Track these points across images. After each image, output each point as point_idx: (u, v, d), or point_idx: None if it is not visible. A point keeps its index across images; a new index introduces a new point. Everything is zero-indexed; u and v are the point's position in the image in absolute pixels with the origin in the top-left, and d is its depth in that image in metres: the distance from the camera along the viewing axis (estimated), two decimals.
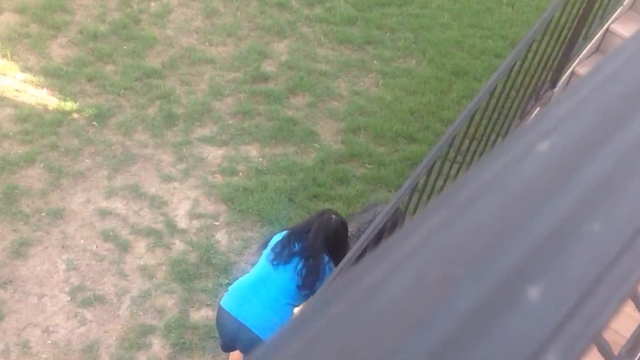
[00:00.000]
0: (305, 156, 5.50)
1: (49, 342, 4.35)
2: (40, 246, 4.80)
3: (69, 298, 4.56)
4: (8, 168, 5.20)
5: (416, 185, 3.55)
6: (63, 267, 4.71)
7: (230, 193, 5.19)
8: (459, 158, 4.04)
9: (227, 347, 3.85)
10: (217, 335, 4.43)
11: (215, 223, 5.05)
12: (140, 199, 5.14)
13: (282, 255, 3.70)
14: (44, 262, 4.72)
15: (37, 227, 4.89)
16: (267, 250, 3.78)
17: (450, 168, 4.09)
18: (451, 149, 3.83)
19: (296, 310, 3.75)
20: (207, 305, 4.60)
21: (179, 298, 4.61)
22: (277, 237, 3.83)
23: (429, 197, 3.91)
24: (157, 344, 4.40)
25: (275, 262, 3.69)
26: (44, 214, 4.97)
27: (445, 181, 4.06)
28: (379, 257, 0.34)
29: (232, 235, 4.95)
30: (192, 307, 4.58)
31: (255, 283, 3.68)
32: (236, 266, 4.77)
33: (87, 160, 5.35)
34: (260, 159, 5.47)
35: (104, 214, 5.02)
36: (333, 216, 3.80)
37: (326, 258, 3.72)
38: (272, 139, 5.60)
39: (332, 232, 3.74)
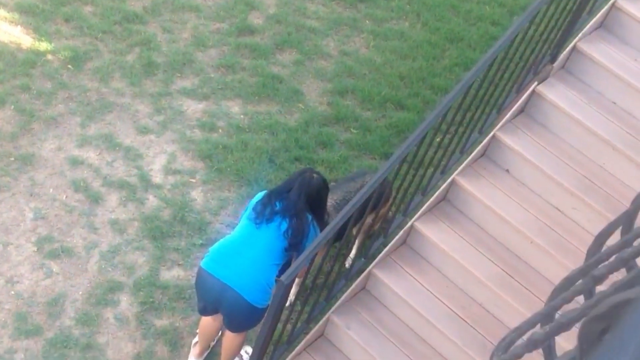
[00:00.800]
0: (288, 116, 5.38)
1: (12, 292, 4.26)
2: (8, 192, 4.67)
3: (35, 248, 4.46)
4: None
5: (406, 155, 3.51)
6: (30, 215, 4.59)
7: (209, 150, 5.07)
8: (451, 129, 3.97)
9: (208, 310, 3.80)
10: (187, 297, 4.39)
11: (191, 180, 4.94)
12: (114, 150, 5.00)
13: (263, 215, 3.66)
14: (10, 209, 4.60)
15: (4, 172, 4.75)
16: (248, 211, 3.72)
17: (442, 140, 4.03)
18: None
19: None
20: (179, 265, 4.53)
21: (150, 256, 4.53)
22: (257, 197, 3.76)
23: (417, 168, 3.86)
24: (125, 302, 4.33)
25: (257, 222, 3.64)
26: (12, 158, 4.82)
27: (435, 152, 4.00)
28: None
29: (209, 194, 4.86)
30: (164, 266, 4.51)
31: (239, 243, 3.64)
32: (211, 226, 4.68)
33: (60, 105, 5.18)
34: (241, 116, 5.33)
35: (75, 163, 4.88)
36: (314, 175, 3.76)
37: (309, 217, 3.69)
38: (255, 96, 5.46)
39: (314, 191, 3.71)
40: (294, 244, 3.62)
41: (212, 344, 4.21)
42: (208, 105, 5.37)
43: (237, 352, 3.98)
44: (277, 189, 3.78)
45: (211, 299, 3.69)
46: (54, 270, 4.39)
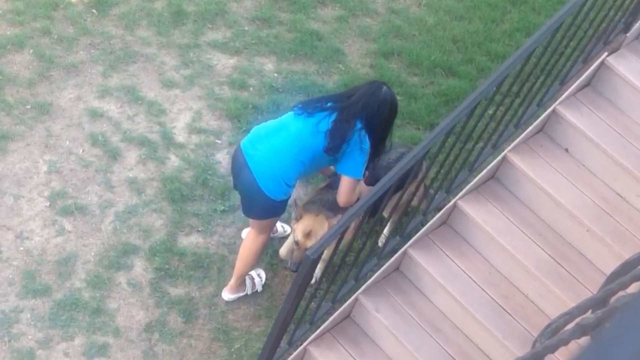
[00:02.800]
0: (326, 77, 5.34)
1: (22, 248, 4.35)
2: (22, 142, 4.74)
3: (47, 203, 4.53)
4: None
5: (453, 126, 3.46)
6: (44, 168, 4.66)
7: (238, 109, 5.07)
8: (506, 101, 3.89)
9: (235, 185, 4.08)
10: (205, 265, 4.44)
11: (217, 141, 4.96)
12: (136, 103, 5.03)
13: (307, 107, 3.84)
14: (23, 160, 4.67)
15: (20, 120, 4.81)
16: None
17: (495, 112, 3.96)
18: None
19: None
20: (198, 231, 4.56)
21: (168, 220, 4.57)
22: None
23: (465, 142, 3.80)
24: (139, 267, 4.39)
25: (298, 112, 3.83)
26: (29, 106, 4.89)
27: (486, 125, 3.93)
28: None
29: None
30: (182, 231, 4.55)
31: (273, 129, 3.85)
32: (235, 192, 4.64)
33: (81, 52, 5.22)
34: (275, 75, 5.31)
35: (94, 115, 4.92)
36: (384, 87, 3.83)
37: (359, 125, 3.75)
38: (291, 53, 5.42)
39: (376, 102, 3.78)
40: (332, 147, 3.72)
41: (248, 283, 4.29)
42: (240, 60, 5.35)
43: (250, 261, 4.09)
44: (338, 93, 3.92)
45: (233, 172, 3.96)
46: (66, 228, 4.46)
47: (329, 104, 3.81)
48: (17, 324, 4.08)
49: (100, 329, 4.13)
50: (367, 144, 3.82)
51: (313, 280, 4.02)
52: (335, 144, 3.72)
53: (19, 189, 4.55)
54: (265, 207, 3.87)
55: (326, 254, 4.01)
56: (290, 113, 3.88)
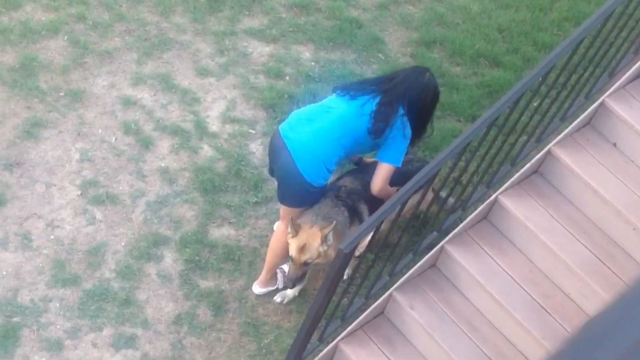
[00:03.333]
0: (365, 67, 5.33)
1: (52, 237, 4.45)
2: (55, 129, 4.84)
3: (79, 192, 4.62)
4: (29, 36, 5.20)
5: (496, 118, 3.44)
6: (76, 156, 4.76)
7: (273, 98, 5.10)
8: (551, 93, 3.85)
9: (271, 170, 4.14)
10: (236, 258, 4.49)
11: (251, 131, 4.99)
12: (170, 92, 5.10)
13: (350, 89, 3.88)
14: (56, 148, 4.77)
15: (53, 107, 4.92)
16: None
17: (540, 104, 3.92)
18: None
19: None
20: (230, 223, 4.60)
21: (200, 211, 4.62)
22: None
23: (508, 134, 3.77)
24: (169, 258, 4.45)
25: (340, 94, 3.87)
26: (62, 93, 4.99)
27: (530, 118, 3.89)
28: None
29: None
30: (213, 223, 4.60)
31: (314, 112, 3.90)
32: (269, 184, 4.73)
33: (116, 38, 5.31)
34: (312, 64, 5.33)
35: (128, 103, 5.00)
36: (428, 73, 3.89)
37: (401, 110, 3.80)
38: (329, 42, 5.43)
39: (419, 86, 3.83)
40: (376, 130, 3.77)
41: (280, 276, 4.33)
42: (276, 48, 5.38)
43: (282, 254, 4.10)
44: (379, 76, 3.98)
45: (271, 156, 4.00)
46: (97, 217, 4.54)
47: (371, 87, 3.84)
48: (45, 313, 4.17)
49: (128, 320, 4.20)
50: (409, 130, 3.87)
51: (345, 277, 4.04)
52: (379, 127, 3.78)
53: (50, 177, 4.65)
54: (302, 193, 3.89)
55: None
56: (332, 96, 3.92)
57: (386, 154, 3.88)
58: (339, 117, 3.82)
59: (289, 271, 3.96)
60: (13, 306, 4.16)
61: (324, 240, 3.80)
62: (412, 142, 4.02)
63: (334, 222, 3.79)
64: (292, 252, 3.84)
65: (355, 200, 3.96)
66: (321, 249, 3.81)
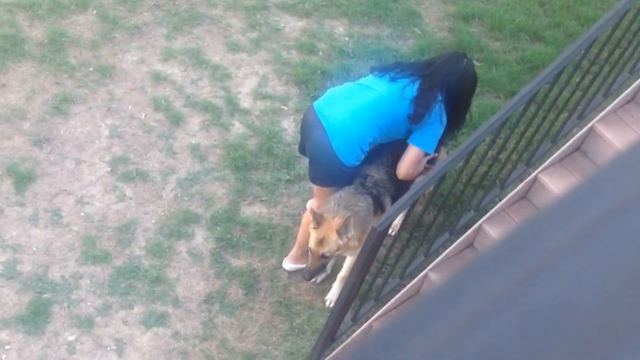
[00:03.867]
0: (401, 42, 5.33)
1: (82, 214, 4.54)
2: (84, 105, 4.92)
3: (109, 169, 4.71)
4: (57, 11, 5.28)
5: (536, 93, 3.43)
6: (106, 132, 4.84)
7: (306, 74, 5.13)
8: (594, 68, 3.82)
9: (302, 147, 4.19)
10: (268, 237, 4.54)
11: (283, 107, 5.03)
12: (200, 67, 5.15)
13: (388, 71, 3.91)
14: (86, 124, 4.86)
15: (82, 83, 5.00)
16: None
17: (582, 79, 3.89)
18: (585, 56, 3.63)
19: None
20: (262, 201, 4.66)
21: (231, 188, 4.68)
22: None
23: (548, 111, 3.75)
24: (200, 236, 4.52)
25: (379, 75, 3.90)
26: (91, 69, 5.07)
27: (572, 93, 3.87)
28: None
29: None
30: (245, 200, 4.65)
31: (352, 90, 3.93)
32: (301, 161, 4.76)
33: (145, 13, 5.36)
34: (346, 39, 5.34)
35: (158, 78, 5.07)
36: (466, 59, 3.93)
37: (440, 96, 3.83)
38: (364, 16, 5.44)
39: (458, 72, 3.86)
40: (416, 115, 3.79)
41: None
42: (309, 23, 5.39)
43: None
44: (416, 61, 4.01)
45: (303, 133, 4.04)
46: (127, 194, 4.63)
47: (410, 71, 3.86)
48: (76, 290, 4.27)
49: (159, 298, 4.29)
50: (445, 117, 3.87)
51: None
52: (420, 113, 3.80)
53: (80, 154, 4.74)
54: (334, 172, 3.92)
55: (343, 273, 4.14)
56: (370, 76, 3.94)
57: (420, 139, 3.90)
58: (378, 98, 3.85)
59: (307, 263, 3.95)
60: (44, 282, 4.27)
61: (342, 233, 3.78)
62: (451, 133, 4.05)
63: (348, 215, 3.77)
64: (311, 244, 3.85)
65: (381, 192, 3.97)
66: (340, 242, 3.81)
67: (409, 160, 3.91)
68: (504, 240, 0.70)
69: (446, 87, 3.83)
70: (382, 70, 3.95)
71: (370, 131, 3.86)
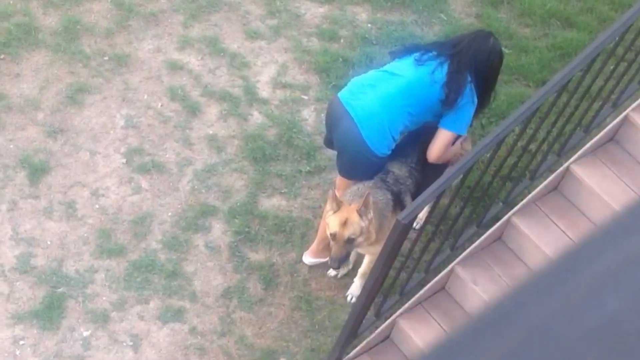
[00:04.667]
0: (426, 28, 5.32)
1: (97, 206, 4.59)
2: (99, 95, 4.96)
3: (124, 160, 4.75)
4: None
5: (568, 81, 3.42)
6: (121, 123, 4.88)
7: (327, 63, 5.13)
8: (629, 55, 3.80)
9: (328, 140, 4.19)
10: (287, 230, 4.55)
11: (303, 97, 5.05)
12: (218, 56, 5.17)
13: (411, 52, 3.92)
14: (100, 114, 4.90)
15: (97, 72, 5.04)
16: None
17: (616, 66, 3.87)
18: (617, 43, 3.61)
19: None
20: (281, 193, 4.68)
21: (249, 180, 4.71)
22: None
23: (580, 100, 3.74)
24: (218, 229, 4.55)
25: (402, 58, 3.92)
26: (106, 58, 5.11)
27: (606, 81, 3.85)
28: None
29: (322, 115, 4.85)
30: (263, 192, 4.68)
31: (378, 77, 3.94)
32: (322, 152, 4.78)
33: (162, 0, 5.39)
34: (369, 25, 5.34)
35: (174, 67, 5.10)
36: (492, 37, 3.95)
37: (469, 77, 3.85)
38: (387, 1, 5.43)
39: (486, 50, 3.88)
40: (449, 100, 3.79)
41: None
42: (330, 9, 5.40)
43: None
44: (440, 41, 4.00)
45: (329, 126, 4.05)
46: (143, 186, 4.67)
47: (436, 52, 3.87)
48: (91, 284, 4.32)
49: (176, 292, 4.33)
50: (476, 97, 3.90)
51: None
52: (452, 97, 3.81)
53: (95, 145, 4.78)
54: (364, 163, 3.92)
55: (364, 268, 4.13)
56: (395, 62, 3.95)
57: (452, 121, 3.90)
58: (406, 84, 3.85)
59: (332, 251, 3.92)
60: (58, 276, 4.32)
61: (362, 213, 3.78)
62: (476, 112, 4.04)
63: (367, 192, 3.77)
64: (335, 227, 3.81)
65: (402, 189, 3.97)
66: (362, 224, 3.80)
67: (441, 144, 3.92)
68: (559, 259, 0.76)
69: (475, 66, 3.85)
70: (404, 52, 3.96)
71: (401, 119, 3.87)
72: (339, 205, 3.80)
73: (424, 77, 3.85)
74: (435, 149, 3.94)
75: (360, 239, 3.85)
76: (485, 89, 3.96)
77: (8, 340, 4.12)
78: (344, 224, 3.78)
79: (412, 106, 3.86)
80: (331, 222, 3.82)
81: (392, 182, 3.95)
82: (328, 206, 3.91)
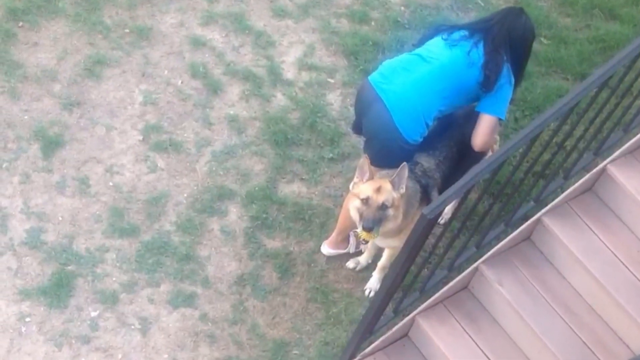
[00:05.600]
0: (462, 14, 5.27)
1: (111, 183, 4.58)
2: (118, 69, 4.95)
3: (141, 137, 4.73)
4: None
5: (610, 77, 3.38)
6: (140, 98, 4.86)
7: (356, 45, 5.09)
8: None
9: (357, 126, 4.13)
10: (306, 218, 4.53)
11: (329, 80, 5.00)
12: (243, 33, 5.14)
13: (441, 32, 3.90)
14: (119, 89, 4.88)
15: (117, 44, 5.02)
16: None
17: None
18: None
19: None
20: (302, 179, 4.65)
21: (269, 164, 4.68)
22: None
23: (622, 97, 3.68)
24: (234, 214, 4.53)
25: (435, 38, 3.90)
26: (127, 30, 5.09)
27: None
28: None
29: (348, 100, 4.90)
30: (284, 178, 4.65)
31: (411, 60, 3.90)
32: (346, 139, 4.75)
33: None
34: (402, 8, 5.29)
35: (197, 43, 5.07)
36: (524, 15, 3.92)
37: (504, 56, 3.83)
38: None
39: (519, 29, 3.86)
40: (489, 82, 3.77)
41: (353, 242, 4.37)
42: None
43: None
44: (471, 22, 3.98)
45: (360, 110, 4.00)
46: (159, 165, 4.65)
47: (467, 32, 3.84)
48: (101, 263, 4.32)
49: (188, 277, 4.31)
50: (512, 77, 3.87)
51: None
52: (493, 79, 3.78)
53: (111, 120, 4.77)
54: (394, 150, 3.88)
55: (384, 262, 4.12)
56: (432, 43, 3.90)
57: (491, 105, 3.87)
58: (441, 67, 3.82)
59: (365, 214, 3.73)
60: (68, 254, 4.31)
61: (395, 183, 3.71)
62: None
63: (403, 164, 3.71)
64: (368, 192, 3.71)
65: (430, 182, 3.94)
66: (394, 195, 3.74)
67: (485, 129, 3.87)
68: None
69: (510, 44, 3.82)
70: (434, 33, 3.92)
71: (436, 104, 3.84)
72: (372, 174, 3.75)
73: (460, 59, 3.81)
74: (480, 135, 3.89)
75: (391, 211, 3.77)
76: (519, 67, 3.93)
77: (14, 316, 4.12)
78: (378, 190, 3.72)
79: (448, 90, 3.82)
80: (364, 189, 3.74)
81: (420, 174, 3.91)
82: (357, 176, 3.81)
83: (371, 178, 3.75)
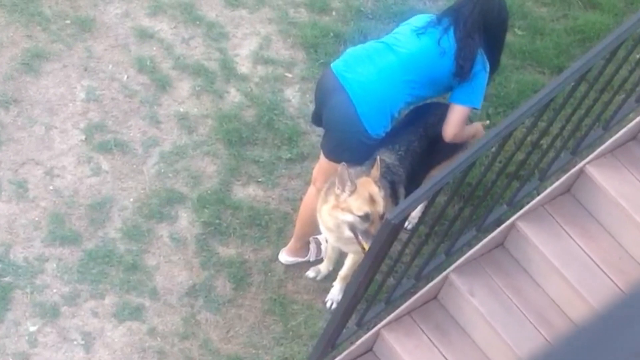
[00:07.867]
0: (430, 3, 5.26)
1: (51, 187, 4.50)
2: (58, 63, 4.87)
3: (83, 137, 4.66)
4: None
5: (588, 70, 3.37)
6: (82, 95, 4.78)
7: (315, 37, 5.07)
8: None
9: (317, 117, 4.08)
10: (263, 224, 4.47)
11: (287, 74, 4.97)
12: (193, 24, 5.09)
13: (412, 21, 3.87)
14: (59, 85, 4.81)
15: (57, 37, 4.94)
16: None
17: None
18: None
19: None
20: (258, 182, 4.61)
21: (223, 165, 4.64)
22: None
23: (601, 92, 3.69)
24: (185, 219, 4.48)
25: (404, 27, 3.86)
26: (68, 21, 5.01)
27: (630, 72, 3.80)
28: None
29: (308, 96, 4.86)
30: (238, 180, 4.61)
31: (377, 49, 3.85)
32: (305, 138, 4.71)
33: None
34: None
35: (143, 35, 5.01)
36: None
37: (478, 42, 3.79)
38: None
39: (495, 10, 3.81)
40: (464, 71, 3.73)
41: (312, 248, 4.34)
42: None
43: (313, 222, 4.00)
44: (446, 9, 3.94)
45: (320, 99, 3.95)
46: (103, 167, 4.60)
47: (436, 18, 3.80)
48: (41, 274, 4.26)
49: (135, 288, 4.27)
50: (487, 64, 3.85)
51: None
52: (467, 67, 3.74)
53: (51, 118, 4.70)
54: (355, 144, 3.82)
55: (346, 270, 4.11)
56: (399, 31, 3.88)
57: (465, 95, 3.83)
58: (409, 56, 3.77)
59: (370, 230, 3.63)
60: (4, 264, 4.26)
61: (380, 187, 3.65)
62: (488, 80, 3.99)
63: (381, 158, 3.68)
64: (365, 207, 3.61)
65: (395, 179, 3.89)
66: (383, 194, 3.69)
67: (456, 120, 3.83)
68: None
69: (485, 26, 3.78)
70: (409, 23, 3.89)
71: (403, 95, 3.80)
72: (354, 184, 3.62)
73: (430, 48, 3.76)
74: (451, 127, 3.84)
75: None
76: (494, 52, 3.91)
77: None
78: (372, 201, 3.63)
79: (417, 81, 3.79)
80: (358, 205, 3.61)
81: (384, 170, 3.84)
82: (337, 187, 3.66)
83: (355, 188, 3.63)
